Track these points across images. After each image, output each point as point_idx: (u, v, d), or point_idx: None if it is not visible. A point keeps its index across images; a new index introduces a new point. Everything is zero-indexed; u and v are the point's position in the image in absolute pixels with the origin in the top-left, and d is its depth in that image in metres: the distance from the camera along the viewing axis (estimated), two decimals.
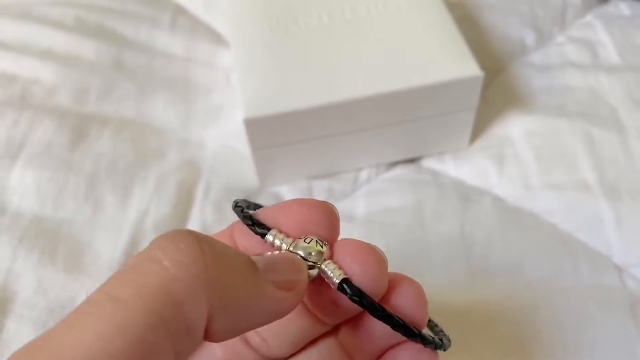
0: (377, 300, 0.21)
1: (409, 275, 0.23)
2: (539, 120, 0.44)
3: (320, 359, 0.24)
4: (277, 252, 0.21)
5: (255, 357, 0.23)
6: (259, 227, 0.21)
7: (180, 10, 0.53)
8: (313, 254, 0.21)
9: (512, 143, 0.43)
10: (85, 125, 0.44)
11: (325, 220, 0.22)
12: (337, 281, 0.21)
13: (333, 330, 0.24)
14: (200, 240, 0.17)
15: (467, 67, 0.40)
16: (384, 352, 0.24)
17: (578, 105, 0.45)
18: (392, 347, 0.23)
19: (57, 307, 0.35)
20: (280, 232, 0.21)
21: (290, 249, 0.21)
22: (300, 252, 0.21)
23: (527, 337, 0.35)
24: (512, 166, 0.42)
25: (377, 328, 0.23)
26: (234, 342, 0.23)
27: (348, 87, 0.39)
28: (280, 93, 0.39)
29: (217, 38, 0.51)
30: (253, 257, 0.19)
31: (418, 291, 0.22)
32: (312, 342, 0.24)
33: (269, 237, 0.21)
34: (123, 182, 0.41)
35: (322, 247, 0.21)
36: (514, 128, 0.44)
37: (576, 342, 0.34)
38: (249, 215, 0.22)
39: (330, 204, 0.22)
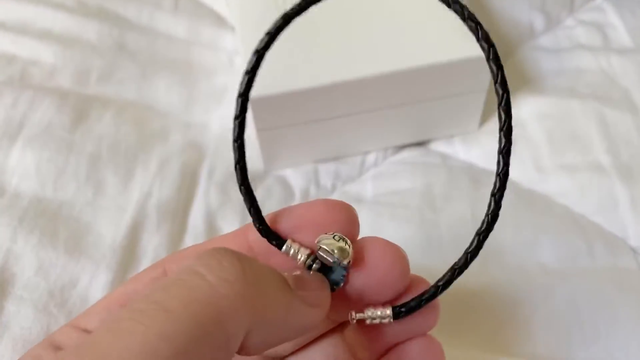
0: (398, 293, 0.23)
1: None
2: (550, 101, 0.43)
3: (324, 356, 0.24)
4: (300, 269, 0.22)
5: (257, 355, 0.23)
6: (274, 238, 0.22)
7: None
8: (336, 251, 0.21)
9: (523, 125, 0.43)
10: (86, 106, 0.43)
11: (344, 219, 0.22)
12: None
13: (338, 327, 0.24)
14: (240, 259, 0.18)
15: (476, 47, 0.39)
16: (389, 349, 0.24)
17: (590, 87, 0.44)
18: (399, 343, 0.24)
19: (58, 289, 0.34)
20: (294, 241, 0.22)
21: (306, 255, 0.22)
22: (324, 247, 0.22)
23: (541, 319, 0.34)
24: (524, 148, 0.41)
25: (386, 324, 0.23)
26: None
27: (356, 67, 0.38)
28: (286, 72, 0.38)
29: (219, 20, 0.50)
30: (285, 275, 0.20)
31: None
32: (317, 339, 0.24)
33: (285, 249, 0.22)
34: (125, 164, 0.40)
35: (345, 243, 0.22)
36: (525, 110, 0.43)
37: (592, 324, 0.33)
38: (264, 226, 0.22)
39: (347, 204, 0.23)
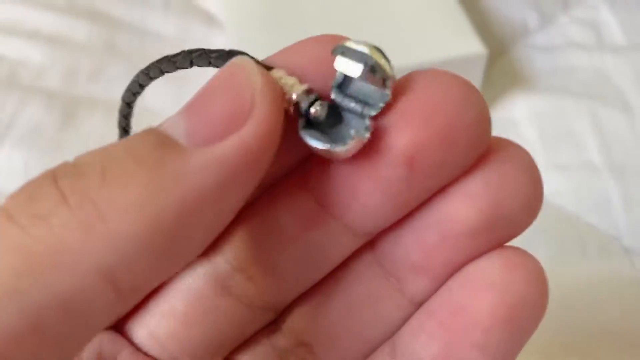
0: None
1: None
2: (543, 100, 0.43)
3: (348, 284, 0.16)
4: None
5: (235, 307, 0.16)
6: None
7: None
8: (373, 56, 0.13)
9: (516, 124, 0.42)
10: (75, 106, 0.42)
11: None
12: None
13: (368, 245, 0.16)
14: (55, 176, 0.12)
15: (471, 45, 0.39)
16: (453, 270, 0.15)
17: (583, 85, 0.44)
18: (465, 260, 0.15)
19: None
20: (290, 74, 0.14)
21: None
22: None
23: None
24: None
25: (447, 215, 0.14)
26: (200, 290, 0.16)
27: None
28: None
29: (210, 19, 0.50)
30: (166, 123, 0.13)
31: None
32: (334, 271, 0.16)
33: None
34: None
35: (385, 59, 0.13)
36: (518, 109, 0.43)
37: (584, 324, 0.33)
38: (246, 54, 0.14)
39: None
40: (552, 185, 0.39)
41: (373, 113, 0.14)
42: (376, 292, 0.16)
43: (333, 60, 0.14)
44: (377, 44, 0.14)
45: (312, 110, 0.14)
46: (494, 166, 0.14)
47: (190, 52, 0.15)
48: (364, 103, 0.14)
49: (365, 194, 0.14)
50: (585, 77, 0.45)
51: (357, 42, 0.13)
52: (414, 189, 0.14)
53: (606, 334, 0.33)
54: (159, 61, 0.16)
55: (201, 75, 0.14)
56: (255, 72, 0.13)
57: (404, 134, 0.13)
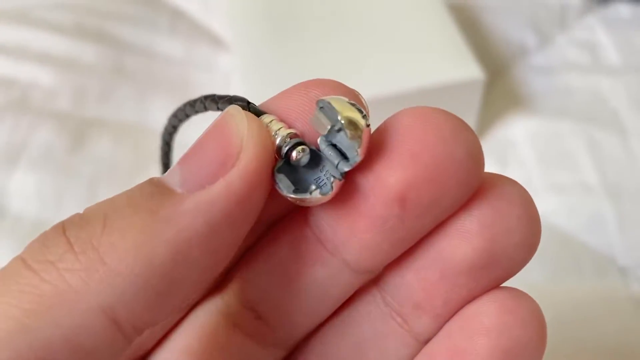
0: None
1: None
2: (540, 122, 0.44)
3: (357, 322, 0.17)
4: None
5: (247, 344, 0.17)
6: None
7: (179, 13, 0.53)
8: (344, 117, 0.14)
9: (514, 145, 0.43)
10: (85, 129, 0.43)
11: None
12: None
13: (374, 284, 0.17)
14: (64, 227, 0.13)
15: (469, 70, 0.40)
16: (454, 308, 0.15)
17: (579, 107, 0.45)
18: (466, 298, 0.15)
19: None
20: (279, 120, 0.15)
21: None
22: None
23: None
24: (515, 168, 0.42)
25: (447, 258, 0.15)
26: (214, 328, 0.17)
27: None
28: None
29: (216, 40, 0.51)
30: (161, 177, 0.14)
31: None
32: (342, 308, 0.17)
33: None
34: (124, 186, 0.40)
35: (360, 114, 0.14)
36: (516, 130, 0.44)
37: (580, 341, 0.34)
38: (244, 100, 0.15)
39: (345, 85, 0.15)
40: (548, 205, 0.40)
41: (346, 169, 0.14)
42: (383, 330, 0.16)
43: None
44: (360, 95, 0.15)
45: (293, 154, 0.14)
46: (488, 203, 0.14)
47: (206, 97, 0.17)
48: (343, 156, 0.14)
49: (361, 231, 0.15)
50: (582, 98, 0.46)
51: (338, 99, 0.14)
52: (408, 226, 0.14)
53: (601, 351, 0.34)
54: (184, 105, 0.17)
55: None
56: (244, 119, 0.14)
57: (394, 172, 0.14)
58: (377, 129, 0.15)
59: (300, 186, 0.15)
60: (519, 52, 0.51)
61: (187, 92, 0.47)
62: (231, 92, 0.16)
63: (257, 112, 0.15)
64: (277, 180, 0.14)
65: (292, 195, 0.14)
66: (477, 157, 0.14)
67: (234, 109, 0.14)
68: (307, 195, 0.14)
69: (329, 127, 0.14)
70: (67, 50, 0.48)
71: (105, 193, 0.40)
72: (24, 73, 0.46)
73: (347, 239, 0.15)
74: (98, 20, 0.51)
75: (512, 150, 0.43)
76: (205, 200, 0.13)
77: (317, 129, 0.14)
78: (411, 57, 0.40)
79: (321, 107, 0.14)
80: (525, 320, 0.15)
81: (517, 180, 0.15)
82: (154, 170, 0.42)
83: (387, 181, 0.14)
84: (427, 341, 0.16)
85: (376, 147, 0.14)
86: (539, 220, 0.15)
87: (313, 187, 0.14)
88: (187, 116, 0.18)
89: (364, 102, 0.15)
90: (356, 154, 0.14)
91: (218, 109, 0.16)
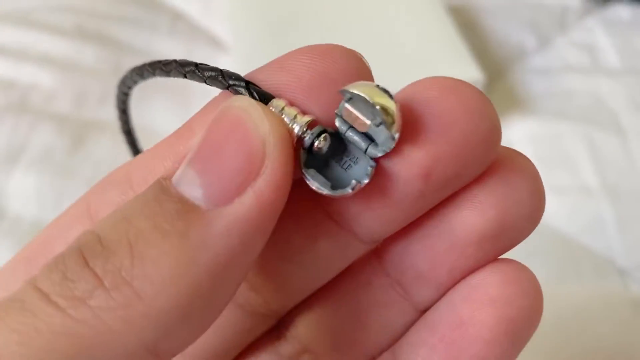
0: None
1: None
2: (540, 124, 0.44)
3: (355, 291, 0.17)
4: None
5: (239, 315, 0.16)
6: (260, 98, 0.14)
7: (178, 15, 0.53)
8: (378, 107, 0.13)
9: (513, 146, 0.43)
10: (85, 130, 0.43)
11: (351, 71, 0.14)
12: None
13: (374, 254, 0.17)
14: (84, 255, 0.12)
15: (468, 71, 0.40)
16: (457, 278, 0.15)
17: (579, 109, 0.45)
18: (469, 268, 0.15)
19: None
20: (281, 98, 0.14)
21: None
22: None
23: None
24: None
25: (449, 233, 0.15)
26: None
27: None
28: None
29: (215, 42, 0.51)
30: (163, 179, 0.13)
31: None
32: (338, 278, 0.17)
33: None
34: None
35: (390, 98, 0.13)
36: (516, 132, 0.44)
37: (579, 342, 0.34)
38: (242, 80, 0.14)
39: (351, 50, 0.15)
40: (548, 207, 0.40)
41: (379, 154, 0.13)
42: (381, 299, 0.16)
43: (340, 101, 0.13)
44: (363, 58, 0.15)
45: (316, 144, 0.13)
46: (501, 176, 0.14)
47: (182, 64, 0.15)
48: (370, 139, 0.13)
49: (379, 206, 0.14)
50: (581, 100, 0.46)
51: (364, 87, 0.13)
52: (426, 200, 0.14)
53: (600, 352, 0.34)
54: (152, 64, 0.16)
55: (204, 99, 0.15)
56: (263, 118, 0.13)
57: (422, 148, 0.13)
58: (400, 99, 0.14)
59: (328, 175, 0.14)
60: (519, 53, 0.51)
61: (187, 94, 0.47)
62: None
63: (265, 97, 0.14)
64: (310, 177, 0.13)
65: (331, 193, 0.13)
66: (498, 131, 0.14)
67: (246, 102, 0.13)
68: (348, 191, 0.13)
69: (368, 123, 0.13)
70: (67, 52, 0.48)
71: None
72: (24, 74, 0.46)
73: (360, 212, 0.15)
74: (98, 22, 0.51)
75: None
76: (237, 218, 0.12)
77: (350, 121, 0.13)
78: (411, 59, 0.41)
79: (349, 100, 0.13)
80: (526, 291, 0.15)
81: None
82: None
83: (413, 157, 0.13)
84: (425, 310, 0.16)
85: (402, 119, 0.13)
86: (544, 193, 0.15)
87: (354, 182, 0.13)
88: (154, 76, 0.16)
89: (365, 62, 0.15)
90: (392, 142, 0.13)
91: (206, 83, 0.15)
